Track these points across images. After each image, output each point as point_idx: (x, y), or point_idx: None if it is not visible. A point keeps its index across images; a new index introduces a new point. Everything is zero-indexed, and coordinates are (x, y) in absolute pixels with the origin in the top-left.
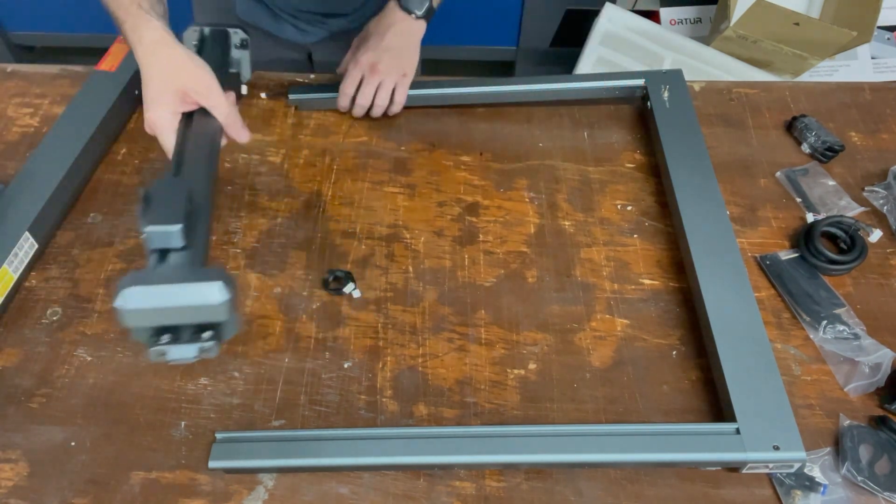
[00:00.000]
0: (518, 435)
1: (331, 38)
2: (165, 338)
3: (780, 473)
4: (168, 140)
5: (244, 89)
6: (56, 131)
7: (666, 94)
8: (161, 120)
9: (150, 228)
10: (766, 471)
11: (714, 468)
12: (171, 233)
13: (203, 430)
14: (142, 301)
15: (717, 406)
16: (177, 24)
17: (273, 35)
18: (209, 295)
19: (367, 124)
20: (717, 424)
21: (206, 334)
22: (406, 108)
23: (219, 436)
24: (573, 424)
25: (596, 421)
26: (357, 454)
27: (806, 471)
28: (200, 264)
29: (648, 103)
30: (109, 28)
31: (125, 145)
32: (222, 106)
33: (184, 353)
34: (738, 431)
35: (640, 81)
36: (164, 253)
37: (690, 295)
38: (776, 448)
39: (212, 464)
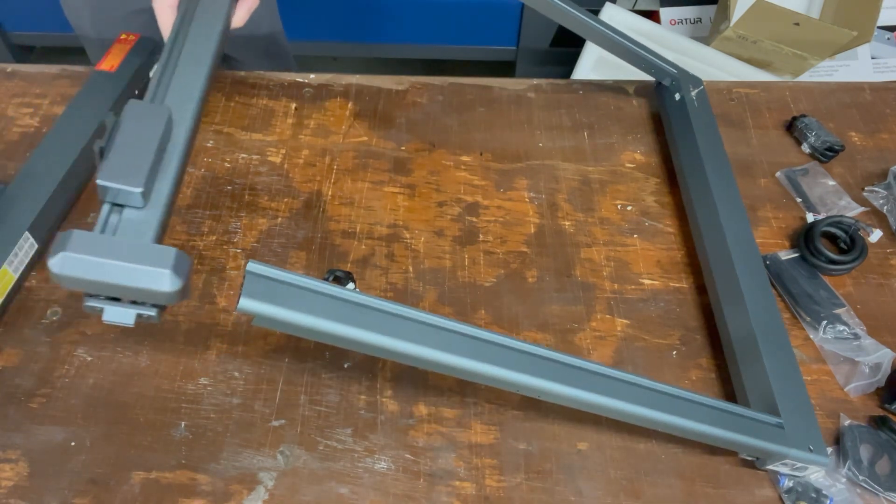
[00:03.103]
0: (577, 367)
1: None
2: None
3: (791, 482)
4: (163, 17)
5: None
6: (56, 131)
7: (694, 94)
8: None
9: (106, 183)
10: (787, 471)
11: (750, 456)
12: (131, 194)
13: (203, 430)
14: (81, 270)
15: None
16: None
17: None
18: (159, 282)
19: (367, 124)
20: (761, 413)
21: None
22: (406, 105)
23: (252, 267)
24: (618, 370)
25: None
26: (444, 348)
27: (812, 479)
28: (158, 232)
29: (677, 95)
30: None
31: None
32: None
33: (121, 316)
34: (781, 426)
35: (675, 70)
36: (118, 205)
37: (693, 294)
38: (811, 450)
39: (243, 303)
